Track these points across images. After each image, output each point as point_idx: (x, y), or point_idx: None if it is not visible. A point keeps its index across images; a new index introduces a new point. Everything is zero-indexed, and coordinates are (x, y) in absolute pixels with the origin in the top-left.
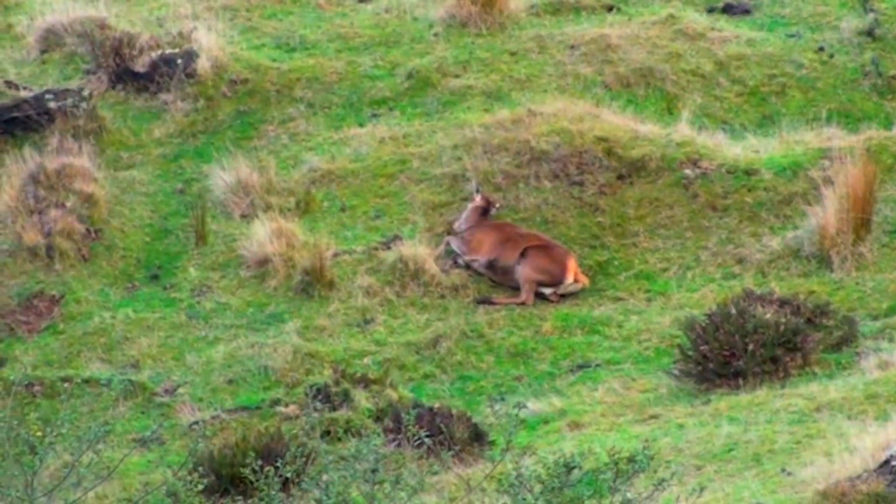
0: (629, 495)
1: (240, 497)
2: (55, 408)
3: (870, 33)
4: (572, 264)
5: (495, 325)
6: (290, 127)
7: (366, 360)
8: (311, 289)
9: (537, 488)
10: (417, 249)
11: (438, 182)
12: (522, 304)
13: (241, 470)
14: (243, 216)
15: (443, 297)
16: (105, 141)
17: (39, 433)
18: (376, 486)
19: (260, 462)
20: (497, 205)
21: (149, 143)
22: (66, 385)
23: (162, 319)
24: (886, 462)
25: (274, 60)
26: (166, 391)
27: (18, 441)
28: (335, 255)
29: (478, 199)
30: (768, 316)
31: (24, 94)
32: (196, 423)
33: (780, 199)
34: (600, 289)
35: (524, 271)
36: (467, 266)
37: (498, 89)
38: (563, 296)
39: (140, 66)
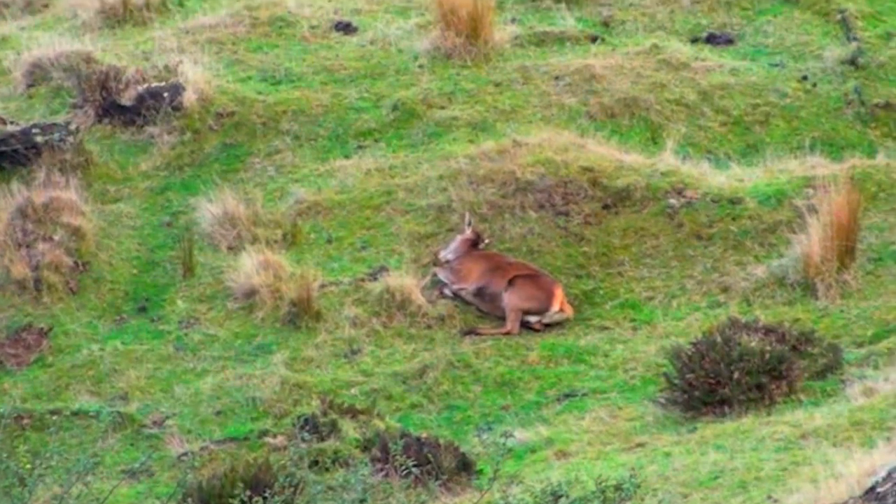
0: None
1: None
2: (44, 440)
3: (853, 62)
4: (559, 293)
5: (482, 355)
6: (277, 159)
7: (353, 391)
8: (299, 320)
9: None
10: (404, 280)
11: (424, 213)
12: (508, 333)
13: (230, 501)
14: (230, 248)
15: (429, 327)
16: (92, 174)
17: (29, 465)
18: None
19: (248, 493)
20: (486, 240)
21: (136, 176)
22: (54, 418)
23: (150, 351)
24: (872, 489)
25: (260, 93)
26: (155, 423)
27: (8, 473)
28: (322, 286)
29: (468, 232)
30: (753, 344)
31: (10, 128)
32: (185, 454)
33: (764, 227)
34: (586, 318)
35: (511, 299)
36: (455, 295)
37: (483, 120)
38: (548, 325)
39: (126, 99)
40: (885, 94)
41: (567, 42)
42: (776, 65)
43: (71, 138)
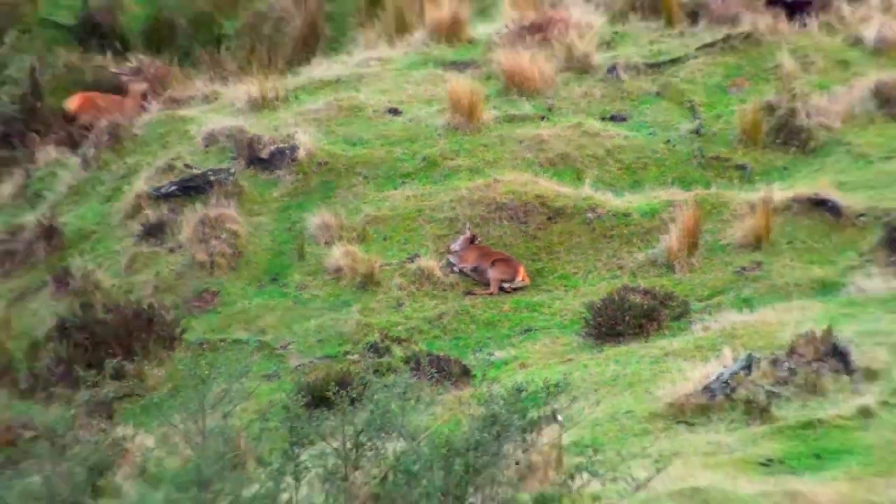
0: (555, 406)
1: (326, 409)
2: (216, 357)
3: (697, 132)
4: (522, 270)
5: (476, 306)
6: (353, 190)
7: (399, 328)
8: (367, 286)
9: (501, 402)
10: (429, 262)
11: (441, 222)
12: (491, 294)
13: (326, 393)
14: (326, 243)
15: (444, 290)
16: (244, 199)
17: (207, 372)
18: (406, 402)
19: (337, 388)
20: (478, 239)
21: (269, 200)
22: (222, 343)
23: (278, 304)
24: (707, 387)
25: (343, 151)
26: (281, 347)
27: (194, 378)
28: (381, 266)
29: (468, 233)
30: (637, 300)
31: (195, 171)
32: (299, 365)
33: (644, 231)
34: (537, 285)
35: (493, 273)
36: (460, 272)
37: (476, 167)
38: (515, 289)
39: (264, 154)
40: (716, 151)
41: (526, 120)
42: (651, 133)
43: (231, 177)
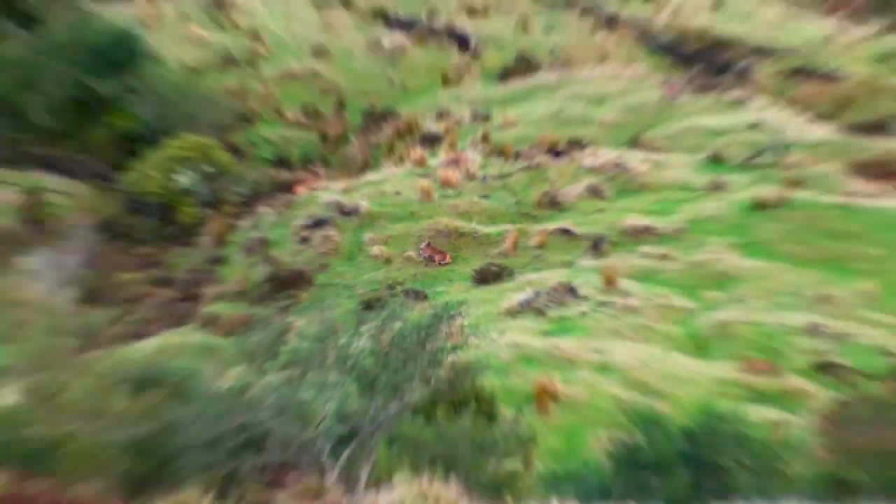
0: (461, 309)
1: (371, 310)
2: (328, 290)
3: (517, 203)
4: (448, 257)
5: (430, 271)
6: (382, 224)
7: (400, 279)
8: (387, 262)
9: (439, 307)
10: (412, 253)
11: (417, 238)
12: (436, 266)
13: (372, 304)
14: (371, 245)
15: (418, 265)
16: (338, 227)
17: (324, 296)
18: (402, 308)
19: (376, 302)
20: (431, 243)
21: (349, 228)
22: (330, 285)
23: (352, 269)
24: (520, 302)
25: (378, 209)
26: (353, 286)
27: (319, 298)
28: (392, 254)
29: (427, 241)
30: (493, 269)
31: (320, 216)
32: (361, 293)
33: (496, 241)
34: (454, 263)
35: (437, 258)
36: (424, 258)
37: (430, 216)
38: (445, 265)
39: (347, 210)
40: (525, 210)
41: (450, 198)
42: (499, 202)
43: (333, 219)
